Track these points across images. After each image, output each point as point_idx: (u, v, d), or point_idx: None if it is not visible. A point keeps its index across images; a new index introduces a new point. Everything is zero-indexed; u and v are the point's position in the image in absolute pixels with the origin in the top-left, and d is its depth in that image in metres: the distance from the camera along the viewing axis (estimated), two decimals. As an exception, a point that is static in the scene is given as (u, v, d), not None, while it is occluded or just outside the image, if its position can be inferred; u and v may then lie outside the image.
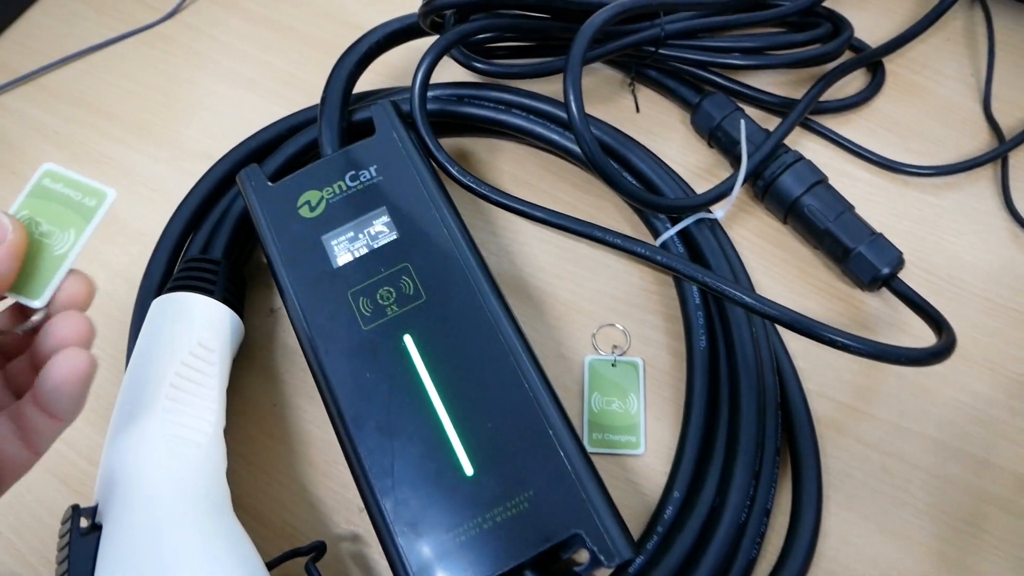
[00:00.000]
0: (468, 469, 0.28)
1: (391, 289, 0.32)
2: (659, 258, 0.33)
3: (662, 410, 0.37)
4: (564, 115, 0.39)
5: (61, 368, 0.22)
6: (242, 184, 0.35)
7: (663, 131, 0.44)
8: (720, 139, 0.41)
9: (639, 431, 0.36)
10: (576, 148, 0.39)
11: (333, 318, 0.31)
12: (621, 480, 0.35)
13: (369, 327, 0.31)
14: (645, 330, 0.39)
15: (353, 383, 0.30)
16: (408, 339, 0.31)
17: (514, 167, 0.43)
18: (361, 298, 0.32)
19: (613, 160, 0.39)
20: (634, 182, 0.34)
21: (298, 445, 0.36)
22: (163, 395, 0.29)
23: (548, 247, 0.41)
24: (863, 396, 0.37)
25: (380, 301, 0.31)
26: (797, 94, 0.44)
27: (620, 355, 0.37)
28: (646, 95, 0.45)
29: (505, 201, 0.35)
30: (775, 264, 0.40)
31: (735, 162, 0.41)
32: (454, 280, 0.32)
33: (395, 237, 0.33)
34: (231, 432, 0.33)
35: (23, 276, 0.23)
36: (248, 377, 0.38)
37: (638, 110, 0.45)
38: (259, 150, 0.41)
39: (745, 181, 0.38)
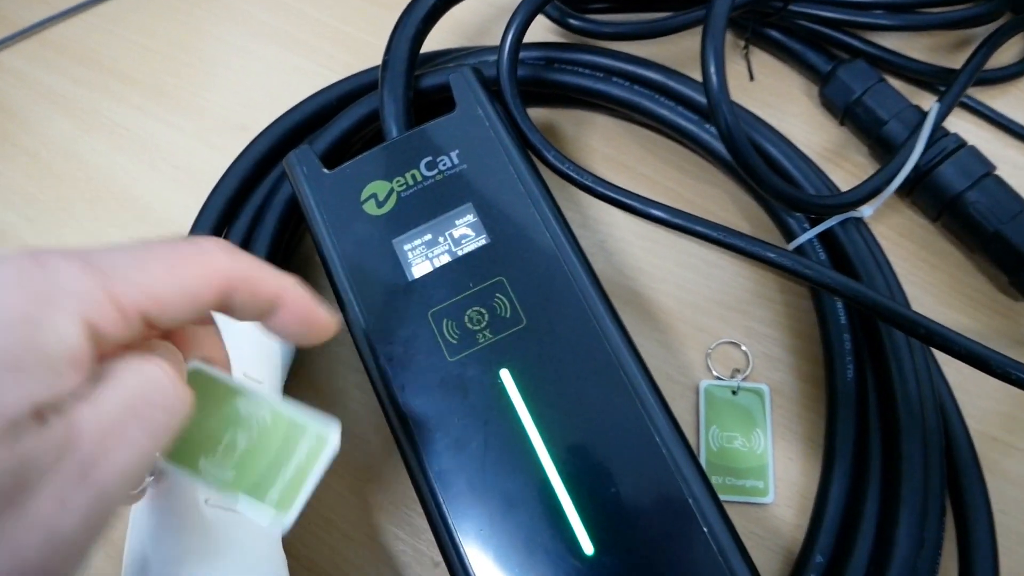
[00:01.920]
0: (587, 547, 0.23)
1: (482, 310, 0.25)
2: (809, 272, 0.26)
3: (793, 449, 0.31)
4: (676, 85, 0.32)
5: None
6: (291, 170, 0.28)
7: (782, 104, 0.37)
8: (859, 116, 0.34)
9: (767, 475, 0.30)
10: (690, 127, 0.32)
11: (409, 345, 0.25)
12: (745, 534, 0.29)
13: (456, 358, 0.25)
14: (768, 347, 0.32)
15: (438, 429, 0.24)
16: (505, 374, 0.24)
17: (606, 145, 0.36)
18: (445, 320, 0.25)
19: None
20: (778, 178, 0.27)
21: (361, 483, 0.31)
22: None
23: (647, 243, 0.34)
24: (1021, 430, 0.31)
25: (469, 325, 0.25)
26: (940, 62, 0.36)
27: (742, 380, 0.31)
28: (761, 60, 0.38)
29: (614, 195, 0.29)
30: (921, 270, 0.34)
31: (875, 145, 0.34)
32: (561, 298, 0.25)
33: (485, 242, 0.26)
34: (281, 472, 0.27)
35: None
36: (300, 399, 0.32)
37: (752, 78, 0.37)
38: (305, 124, 0.34)
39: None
